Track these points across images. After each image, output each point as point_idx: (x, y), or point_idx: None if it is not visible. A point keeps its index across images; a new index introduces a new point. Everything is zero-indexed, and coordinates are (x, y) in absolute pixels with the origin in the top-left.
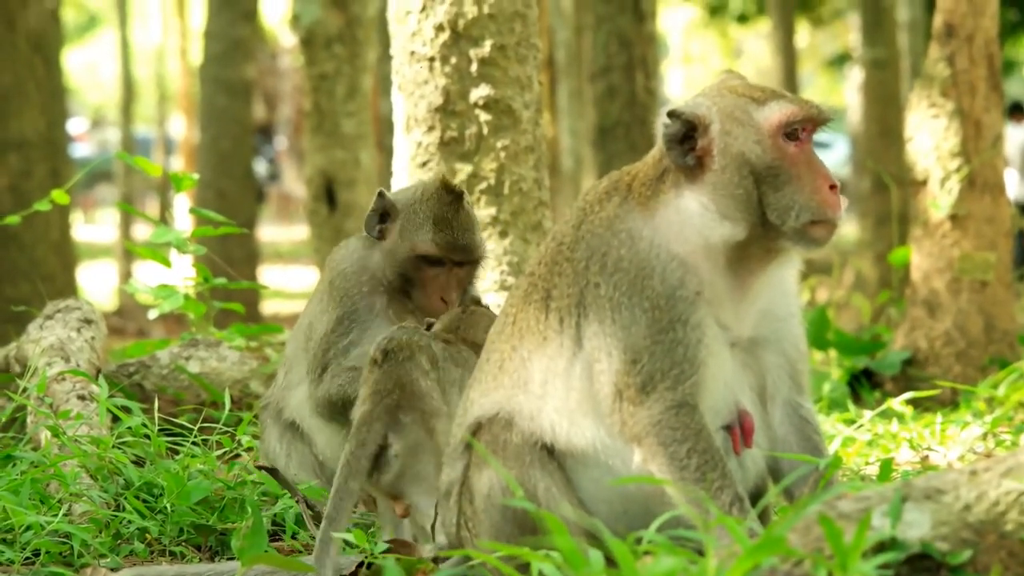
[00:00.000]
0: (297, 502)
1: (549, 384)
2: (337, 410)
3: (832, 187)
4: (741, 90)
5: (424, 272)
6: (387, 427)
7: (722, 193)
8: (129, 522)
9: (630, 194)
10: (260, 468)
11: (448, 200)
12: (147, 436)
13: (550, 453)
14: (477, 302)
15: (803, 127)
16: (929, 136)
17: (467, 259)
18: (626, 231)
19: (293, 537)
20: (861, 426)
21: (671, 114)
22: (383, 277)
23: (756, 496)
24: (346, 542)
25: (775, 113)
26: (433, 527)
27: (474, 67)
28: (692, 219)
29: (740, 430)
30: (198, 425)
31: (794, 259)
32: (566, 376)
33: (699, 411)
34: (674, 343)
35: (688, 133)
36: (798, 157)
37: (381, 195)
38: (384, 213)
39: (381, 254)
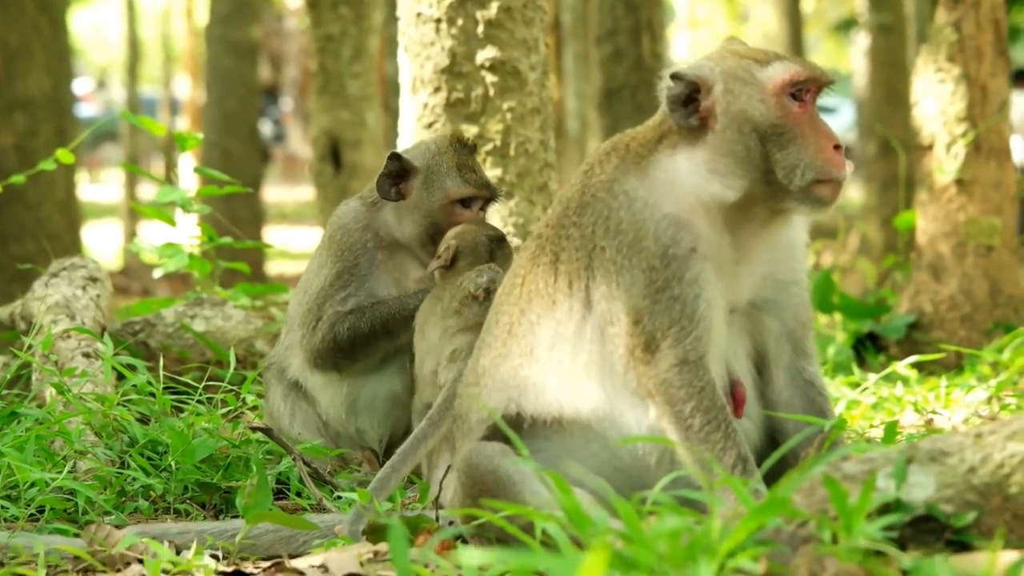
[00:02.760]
0: (294, 460)
1: (557, 348)
2: (344, 353)
3: (837, 147)
4: (744, 52)
5: (456, 216)
6: None
7: (722, 152)
8: (134, 479)
9: (627, 155)
10: (254, 429)
11: (464, 151)
12: (152, 394)
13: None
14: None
15: (807, 88)
16: (935, 101)
17: (494, 195)
18: (624, 193)
19: (297, 495)
20: (866, 389)
21: (674, 76)
22: (388, 235)
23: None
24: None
25: (779, 72)
26: (438, 497)
27: (480, 29)
28: (683, 177)
29: (732, 400)
30: (203, 384)
31: (800, 224)
32: (576, 339)
33: (704, 367)
34: (672, 300)
35: (692, 95)
36: (802, 117)
37: (397, 157)
38: (399, 174)
39: (394, 213)
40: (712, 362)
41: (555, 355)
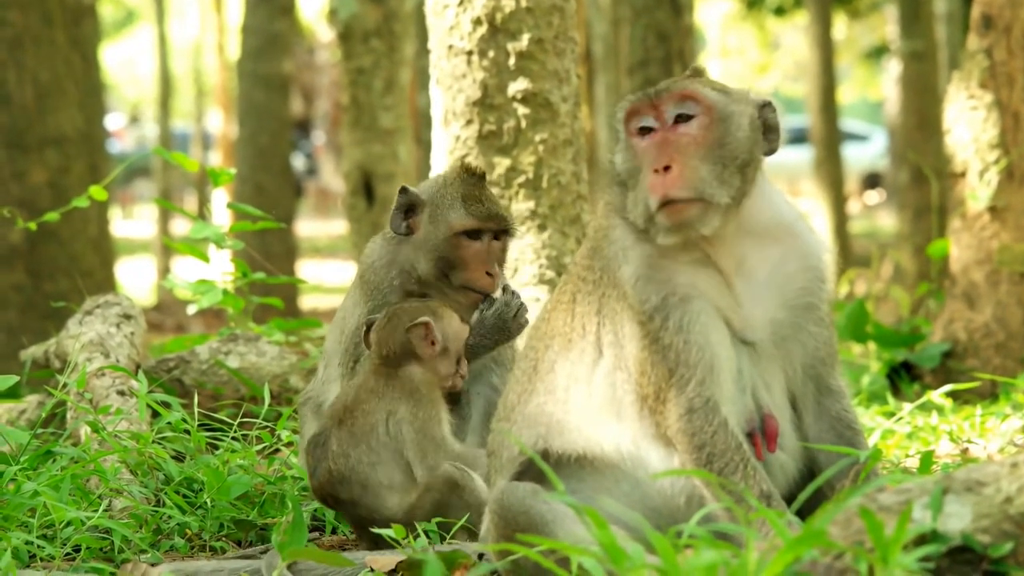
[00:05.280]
0: None
1: (572, 389)
2: None
3: (666, 168)
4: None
5: (464, 250)
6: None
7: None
8: (169, 517)
9: (610, 201)
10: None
11: (472, 181)
12: (187, 431)
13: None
14: (505, 288)
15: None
16: (967, 128)
17: (502, 227)
18: (617, 243)
19: (333, 532)
20: (901, 419)
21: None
22: (413, 270)
23: (788, 501)
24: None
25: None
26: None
27: (512, 61)
28: (630, 232)
29: (762, 435)
30: (238, 420)
31: (810, 249)
32: (587, 382)
33: (713, 409)
34: (665, 349)
35: None
36: (647, 149)
37: (404, 191)
38: (409, 208)
39: (412, 248)
40: (724, 400)
41: (572, 395)
